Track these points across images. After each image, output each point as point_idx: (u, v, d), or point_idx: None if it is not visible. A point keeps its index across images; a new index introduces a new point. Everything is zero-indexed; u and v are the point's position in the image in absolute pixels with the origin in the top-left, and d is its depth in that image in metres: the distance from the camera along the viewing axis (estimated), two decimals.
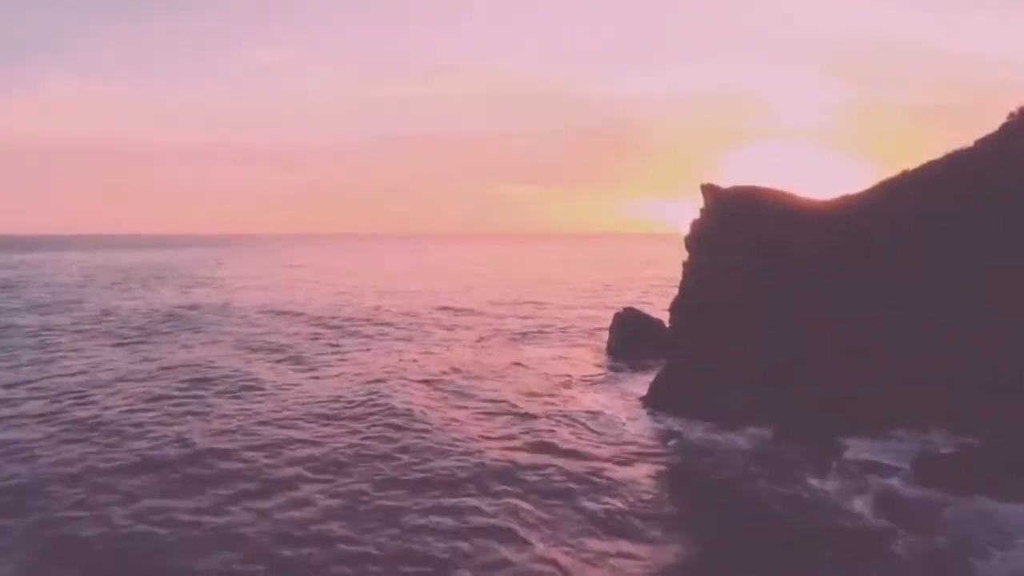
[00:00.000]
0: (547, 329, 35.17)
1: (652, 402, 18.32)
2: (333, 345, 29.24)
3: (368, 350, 28.40)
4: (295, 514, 11.86)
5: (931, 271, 15.36)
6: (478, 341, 31.43)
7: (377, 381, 22.06)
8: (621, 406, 19.05)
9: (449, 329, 34.68)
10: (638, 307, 30.49)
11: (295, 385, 21.60)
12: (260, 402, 19.34)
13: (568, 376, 23.81)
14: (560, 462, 14.42)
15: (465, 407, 19.13)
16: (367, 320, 36.61)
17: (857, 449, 14.39)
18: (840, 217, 16.61)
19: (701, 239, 18.47)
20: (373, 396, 19.84)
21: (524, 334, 34.17)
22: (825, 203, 17.17)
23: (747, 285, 16.82)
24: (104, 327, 32.97)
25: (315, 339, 30.55)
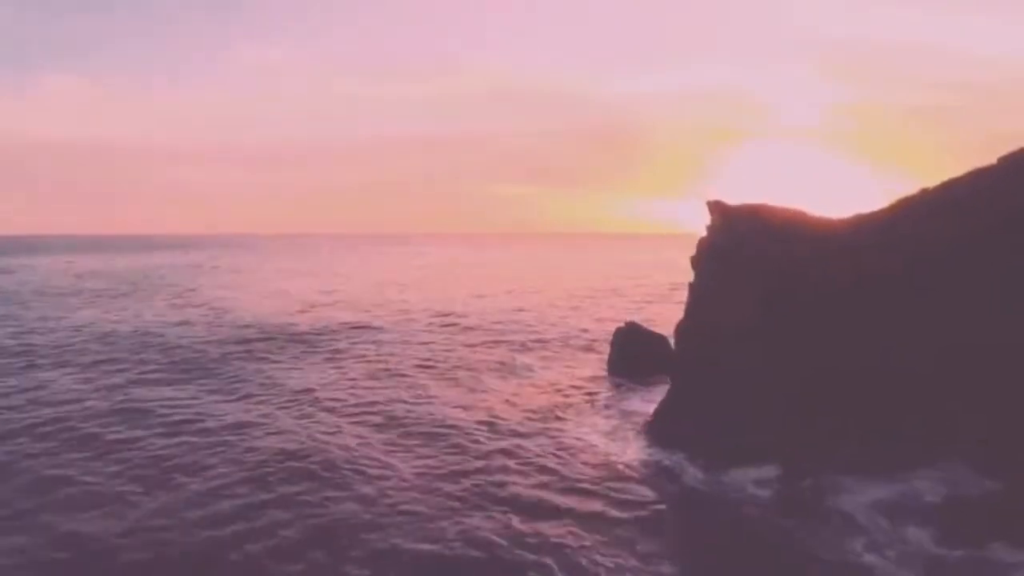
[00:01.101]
0: (544, 339, 34.22)
1: (653, 433, 17.35)
2: (312, 367, 27.14)
3: (358, 365, 27.35)
4: None
5: (954, 298, 14.41)
6: (470, 351, 30.53)
7: (351, 417, 20.18)
8: (619, 436, 18.02)
9: (440, 340, 33.67)
10: (640, 313, 29.60)
11: (243, 432, 18.52)
12: (192, 454, 16.68)
13: (565, 396, 22.86)
14: (544, 527, 12.59)
15: (442, 448, 17.18)
16: (353, 336, 34.59)
17: (875, 491, 13.40)
18: (856, 238, 15.65)
19: (708, 259, 17.49)
20: (338, 441, 17.66)
21: (522, 344, 33.22)
22: (840, 222, 16.21)
23: (757, 310, 15.85)
24: (77, 349, 30.27)
25: (294, 365, 27.49)
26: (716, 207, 17.39)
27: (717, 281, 17.04)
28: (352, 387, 23.89)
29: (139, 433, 18.32)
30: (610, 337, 28.15)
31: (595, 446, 17.25)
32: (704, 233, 18.22)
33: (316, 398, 22.31)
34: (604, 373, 26.43)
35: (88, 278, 73.55)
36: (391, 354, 29.78)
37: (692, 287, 18.06)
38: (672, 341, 23.14)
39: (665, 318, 39.14)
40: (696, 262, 17.95)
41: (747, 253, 16.46)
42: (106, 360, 28.07)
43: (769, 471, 14.61)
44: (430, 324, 38.82)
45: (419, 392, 23.22)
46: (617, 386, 24.35)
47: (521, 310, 45.57)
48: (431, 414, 20.33)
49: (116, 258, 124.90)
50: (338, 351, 30.50)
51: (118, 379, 24.84)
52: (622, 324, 28.08)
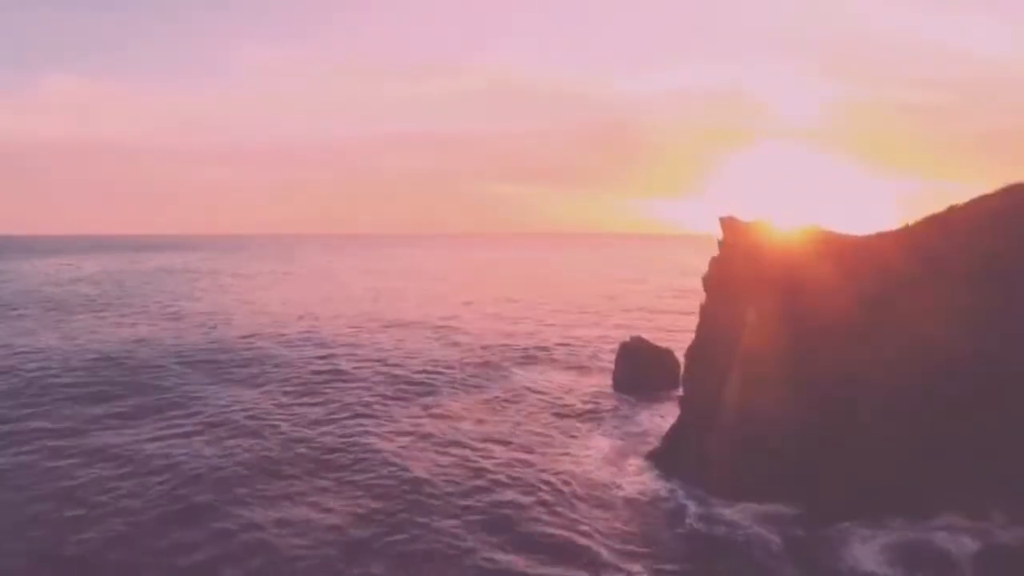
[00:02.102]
0: (546, 351, 33.17)
1: (658, 461, 16.36)
2: (301, 389, 25.32)
3: (348, 385, 26.13)
4: None
5: (984, 321, 13.43)
6: (468, 364, 29.53)
7: (323, 453, 18.31)
8: (622, 464, 17.08)
9: (437, 351, 32.57)
10: (644, 322, 28.48)
11: (203, 465, 17.19)
12: (137, 482, 15.82)
13: (567, 415, 21.91)
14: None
15: (427, 482, 15.93)
16: (345, 351, 32.80)
17: (899, 539, 12.40)
18: (879, 257, 14.64)
19: (720, 279, 16.46)
20: (302, 474, 16.42)
21: (523, 352, 32.33)
22: (860, 240, 15.18)
23: (772, 334, 14.83)
24: (52, 373, 27.55)
25: (279, 388, 25.65)
26: (728, 224, 16.32)
27: (729, 303, 16.01)
28: (337, 413, 22.08)
29: (101, 471, 16.92)
30: (615, 347, 27.16)
31: (595, 477, 16.14)
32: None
33: (293, 426, 20.51)
34: (610, 388, 25.45)
35: (82, 283, 72.47)
36: (385, 371, 28.30)
37: (703, 308, 17.06)
38: (678, 354, 22.24)
39: (670, 326, 38.15)
40: (708, 283, 16.93)
41: (760, 273, 15.44)
42: (94, 384, 26.04)
43: (777, 507, 13.65)
44: (426, 335, 37.71)
45: (410, 414, 22.01)
46: (623, 403, 23.37)
47: (522, 319, 44.55)
48: (418, 444, 18.94)
49: (114, 260, 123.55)
50: (328, 369, 28.74)
51: (99, 410, 22.57)
52: (627, 338, 27.13)
